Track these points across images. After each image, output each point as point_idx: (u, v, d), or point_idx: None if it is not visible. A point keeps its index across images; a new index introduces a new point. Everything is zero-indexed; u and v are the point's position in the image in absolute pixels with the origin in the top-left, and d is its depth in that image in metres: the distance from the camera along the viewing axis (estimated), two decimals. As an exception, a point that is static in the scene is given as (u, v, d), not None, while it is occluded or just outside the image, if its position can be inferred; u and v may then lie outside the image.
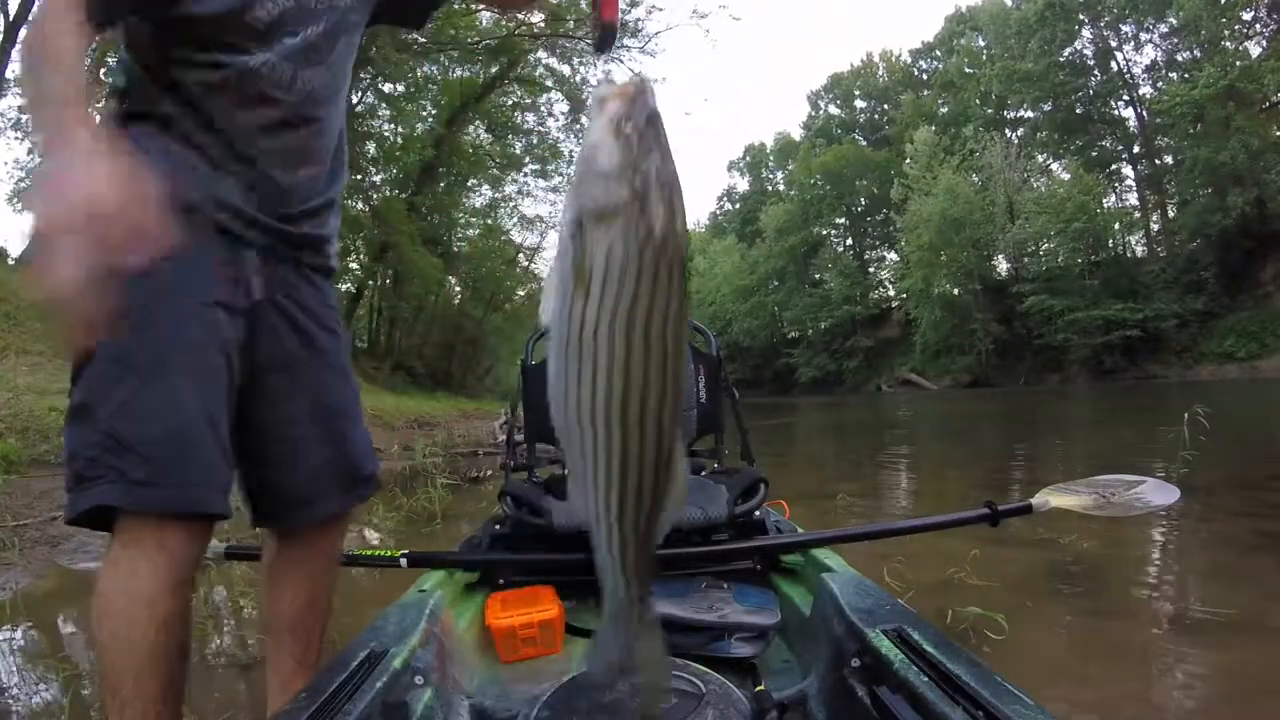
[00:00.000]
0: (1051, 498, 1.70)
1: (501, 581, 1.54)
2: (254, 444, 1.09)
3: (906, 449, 8.16)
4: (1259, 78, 26.64)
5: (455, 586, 1.53)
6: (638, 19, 16.84)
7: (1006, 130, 39.72)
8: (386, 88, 18.87)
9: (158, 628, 0.93)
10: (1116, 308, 29.67)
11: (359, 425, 1.23)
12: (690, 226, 1.36)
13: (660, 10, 23.80)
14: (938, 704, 0.80)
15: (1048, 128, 38.07)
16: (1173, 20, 30.96)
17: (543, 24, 16.84)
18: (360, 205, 18.99)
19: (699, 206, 71.54)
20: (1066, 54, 36.17)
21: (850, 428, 12.83)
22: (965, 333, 35.84)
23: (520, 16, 15.80)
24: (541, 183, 23.98)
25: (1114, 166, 37.06)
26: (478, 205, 25.14)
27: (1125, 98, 35.57)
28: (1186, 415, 3.94)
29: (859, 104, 53.04)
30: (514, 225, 25.99)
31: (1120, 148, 36.66)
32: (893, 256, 46.08)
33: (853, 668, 0.99)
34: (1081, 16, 35.12)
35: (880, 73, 51.68)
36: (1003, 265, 38.21)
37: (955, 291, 37.47)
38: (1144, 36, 34.03)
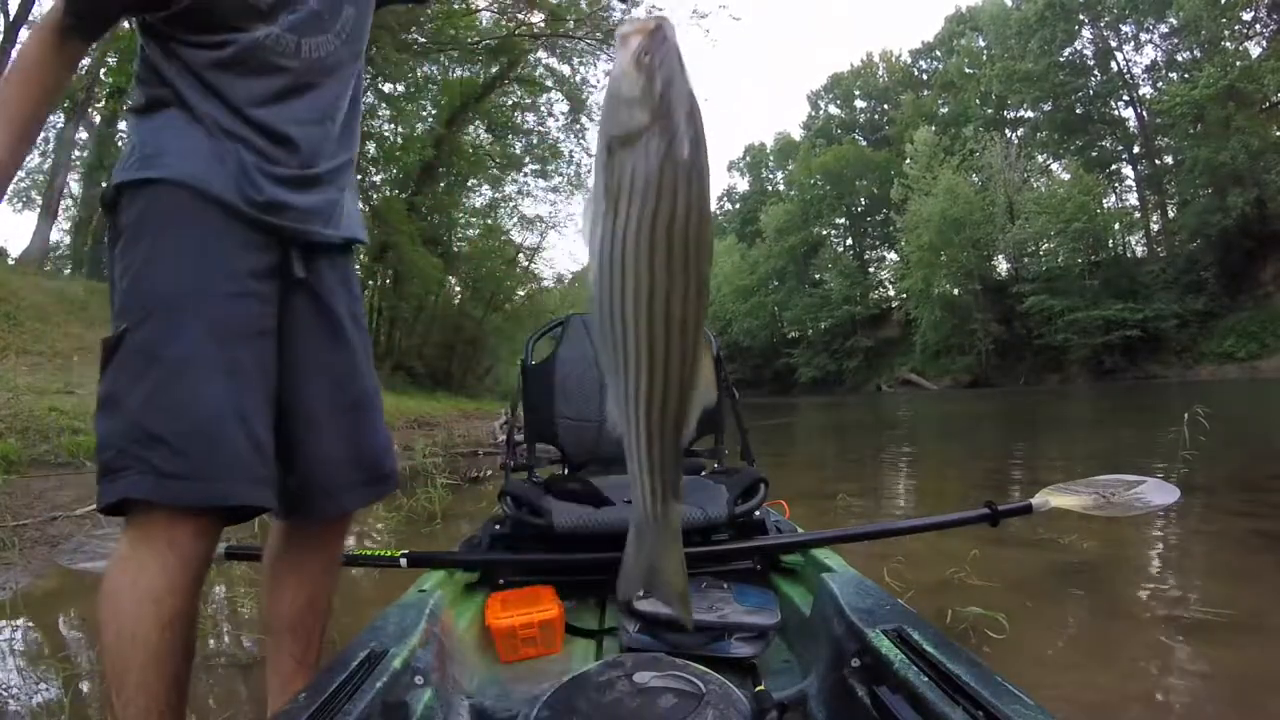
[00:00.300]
0: (1051, 498, 1.71)
1: (501, 581, 1.54)
2: (280, 430, 1.08)
3: (906, 449, 8.16)
4: (1259, 78, 26.63)
5: (455, 586, 1.52)
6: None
7: (1006, 130, 39.70)
8: (386, 88, 18.85)
9: (163, 626, 0.93)
10: (1116, 308, 29.66)
11: (381, 420, 1.22)
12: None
13: (660, 10, 23.80)
14: (938, 704, 0.80)
15: (1048, 128, 38.05)
16: (1173, 20, 30.95)
17: (543, 24, 16.85)
18: (360, 205, 18.94)
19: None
20: (1066, 54, 36.16)
21: (850, 428, 12.83)
22: (965, 333, 35.83)
23: (520, 16, 15.84)
24: (541, 183, 24.04)
25: (1114, 166, 37.06)
26: (478, 205, 25.18)
27: (1125, 98, 35.60)
28: (1186, 415, 3.94)
29: (859, 104, 53.03)
30: (514, 225, 26.02)
31: (1120, 148, 36.66)
32: (893, 256, 46.09)
33: (853, 668, 0.99)
34: (1081, 17, 35.11)
35: (880, 73, 51.67)
36: (1003, 265, 38.20)
37: (955, 291, 37.45)
38: (1144, 37, 34.06)
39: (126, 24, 1.05)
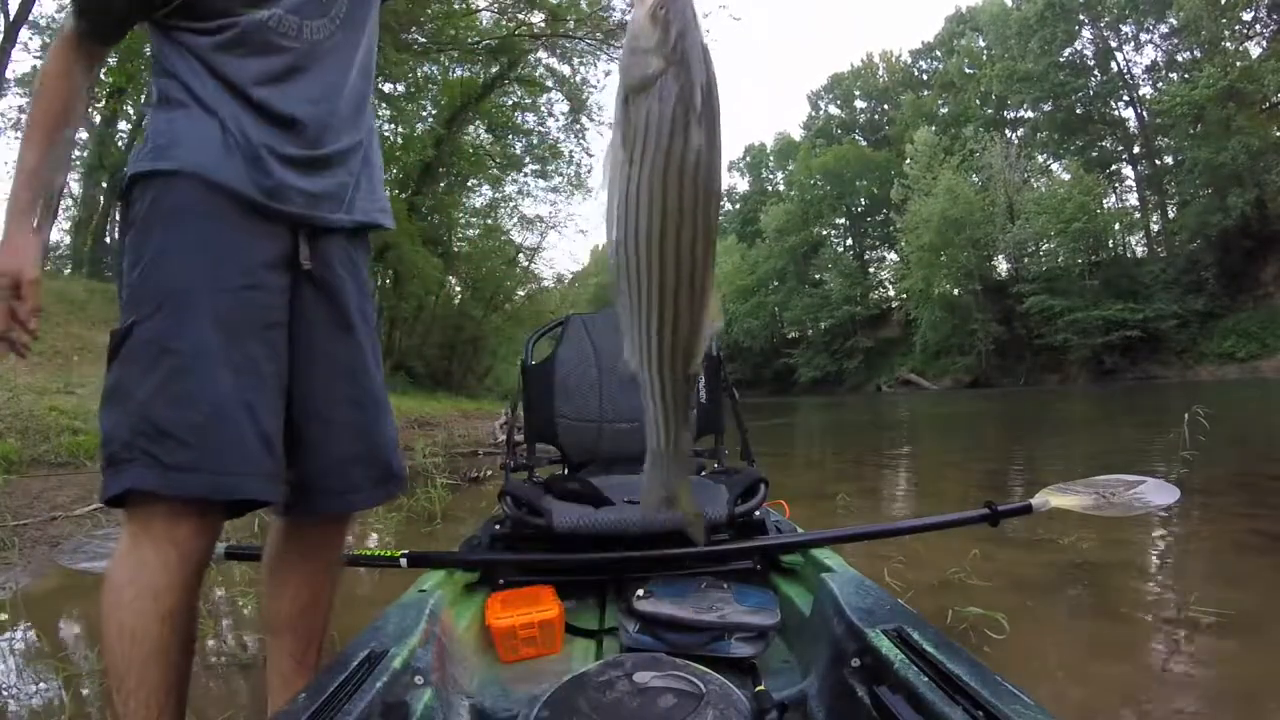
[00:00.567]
0: (1051, 498, 1.71)
1: (501, 581, 1.53)
2: (288, 423, 1.07)
3: (906, 449, 8.16)
4: (1259, 78, 26.63)
5: (455, 586, 1.52)
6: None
7: (1006, 130, 39.71)
8: (386, 88, 18.84)
9: (162, 620, 0.93)
10: (1116, 308, 29.66)
11: (391, 420, 1.21)
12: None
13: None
14: (938, 704, 0.80)
15: (1048, 128, 38.06)
16: (1173, 21, 30.95)
17: (543, 24, 16.85)
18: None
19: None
20: (1066, 54, 36.18)
21: (850, 428, 12.83)
22: (965, 333, 35.82)
23: (520, 16, 15.83)
24: (541, 183, 24.02)
25: (1114, 167, 37.07)
26: (478, 205, 25.14)
27: (1125, 98, 35.62)
28: (1186, 415, 3.95)
29: (859, 104, 53.04)
30: (514, 225, 26.01)
31: (1120, 148, 36.67)
32: (893, 257, 46.11)
33: (853, 668, 0.99)
34: (1081, 17, 35.13)
35: (880, 73, 51.66)
36: (1003, 265, 38.19)
37: (955, 292, 37.45)
38: (1144, 37, 34.07)
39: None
